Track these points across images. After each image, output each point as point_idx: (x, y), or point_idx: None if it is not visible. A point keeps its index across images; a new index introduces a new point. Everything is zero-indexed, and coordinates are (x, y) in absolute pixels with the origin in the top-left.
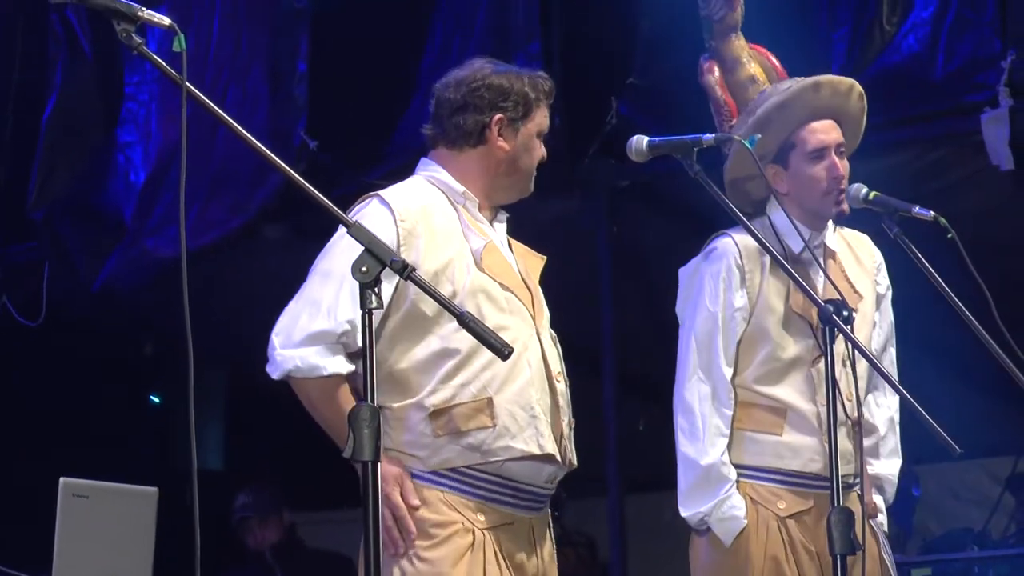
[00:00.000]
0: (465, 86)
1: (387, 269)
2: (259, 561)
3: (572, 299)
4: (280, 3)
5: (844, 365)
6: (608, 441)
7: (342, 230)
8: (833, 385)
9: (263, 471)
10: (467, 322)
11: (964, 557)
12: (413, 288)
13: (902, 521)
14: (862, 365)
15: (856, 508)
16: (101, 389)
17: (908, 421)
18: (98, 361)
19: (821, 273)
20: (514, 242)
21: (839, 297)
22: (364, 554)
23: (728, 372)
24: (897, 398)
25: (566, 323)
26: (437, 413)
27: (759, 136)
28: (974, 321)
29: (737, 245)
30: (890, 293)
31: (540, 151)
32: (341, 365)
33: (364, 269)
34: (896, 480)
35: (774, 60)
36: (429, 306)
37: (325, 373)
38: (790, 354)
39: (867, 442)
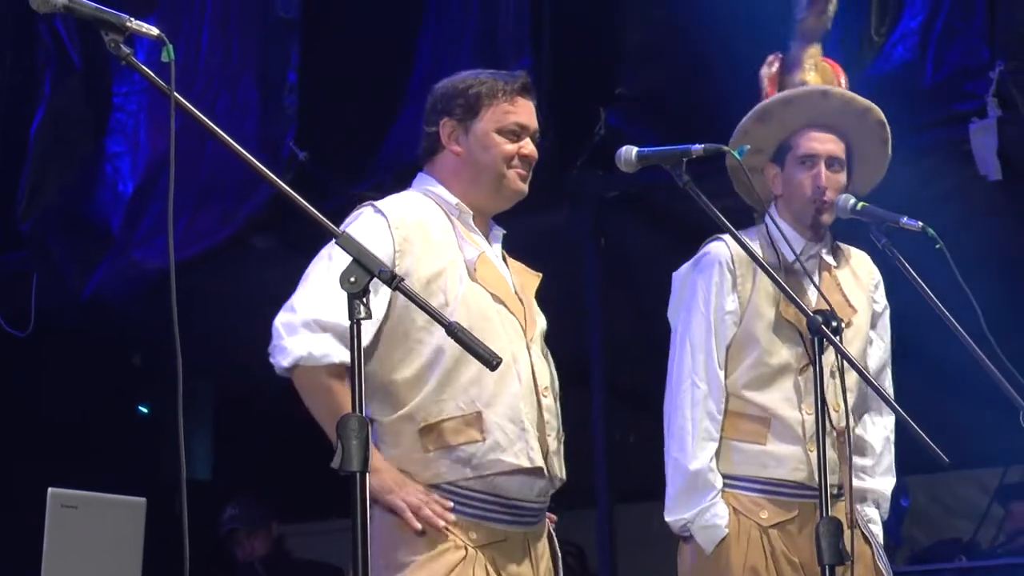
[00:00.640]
0: (429, 97)
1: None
2: (248, 573)
3: (560, 310)
4: (270, 13)
5: (832, 376)
6: (597, 451)
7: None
8: (821, 394)
9: (251, 482)
10: (455, 332)
11: (952, 567)
12: (404, 298)
13: (891, 531)
14: (853, 378)
15: (844, 518)
16: (89, 399)
17: (897, 432)
18: (87, 371)
19: (812, 284)
20: (510, 260)
21: (828, 307)
22: (353, 565)
23: (722, 375)
24: (893, 417)
25: (554, 334)
26: (427, 429)
27: (748, 147)
28: (962, 332)
29: (730, 249)
30: (888, 312)
31: (504, 147)
32: (347, 355)
33: (352, 279)
34: (890, 497)
35: (841, 79)
36: (420, 315)
37: (335, 360)
38: (778, 361)
39: (862, 461)
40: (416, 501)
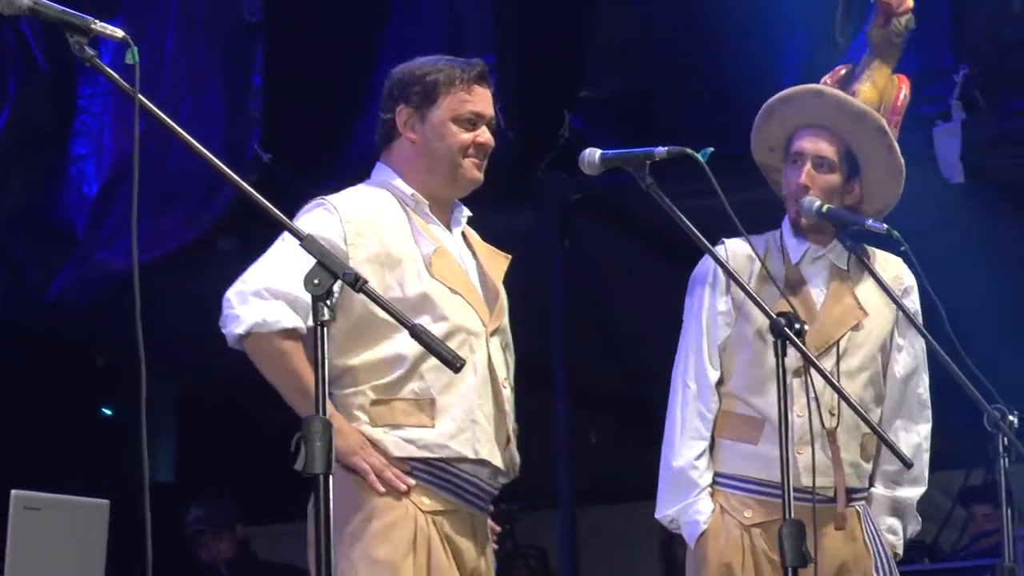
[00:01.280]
0: (386, 82)
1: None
2: (213, 575)
3: (524, 311)
4: (235, 17)
5: (832, 377)
6: (559, 454)
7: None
8: (787, 397)
9: (215, 484)
10: (419, 334)
11: (916, 570)
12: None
13: None
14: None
15: (849, 522)
16: (53, 401)
17: None
18: (50, 373)
19: (820, 286)
20: (477, 241)
21: (792, 310)
22: (316, 565)
23: (713, 375)
24: (928, 425)
25: (518, 335)
26: (378, 403)
27: (711, 149)
28: (926, 333)
29: (727, 251)
30: (919, 317)
31: (460, 136)
32: (300, 322)
33: (316, 282)
34: (915, 506)
35: (900, 97)
36: (382, 311)
37: (287, 326)
38: (771, 363)
39: (891, 468)
40: (379, 463)
